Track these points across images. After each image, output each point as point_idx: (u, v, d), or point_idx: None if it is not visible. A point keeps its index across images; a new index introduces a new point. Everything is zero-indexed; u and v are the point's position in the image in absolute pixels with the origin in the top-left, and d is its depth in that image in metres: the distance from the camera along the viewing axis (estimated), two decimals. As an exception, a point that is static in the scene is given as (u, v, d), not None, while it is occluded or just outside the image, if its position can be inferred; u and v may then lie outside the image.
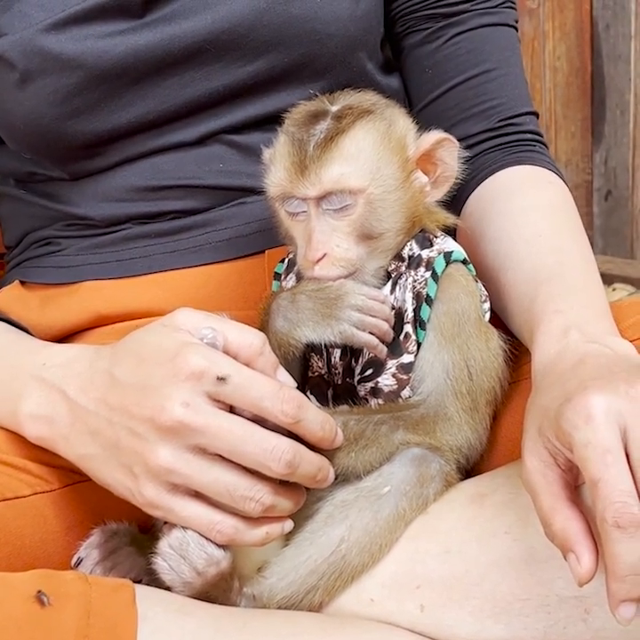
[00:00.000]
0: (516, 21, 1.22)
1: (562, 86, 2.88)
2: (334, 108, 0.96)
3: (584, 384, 0.77)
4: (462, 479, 0.97)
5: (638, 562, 0.72)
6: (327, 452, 0.90)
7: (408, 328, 0.96)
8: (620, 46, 2.79)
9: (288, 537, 0.92)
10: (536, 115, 1.21)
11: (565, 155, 2.93)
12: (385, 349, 0.95)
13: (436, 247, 0.98)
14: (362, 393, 0.98)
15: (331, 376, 0.99)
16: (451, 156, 0.98)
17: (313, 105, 0.98)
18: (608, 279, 2.72)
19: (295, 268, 1.02)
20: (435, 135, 0.97)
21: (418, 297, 0.96)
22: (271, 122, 1.03)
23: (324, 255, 0.93)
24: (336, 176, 0.93)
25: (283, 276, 1.05)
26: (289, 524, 0.89)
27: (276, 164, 0.96)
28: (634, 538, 0.72)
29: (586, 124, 2.90)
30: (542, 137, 1.20)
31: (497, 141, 1.17)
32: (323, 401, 0.99)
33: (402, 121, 0.98)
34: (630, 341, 0.90)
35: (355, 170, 0.93)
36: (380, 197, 0.94)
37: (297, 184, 0.94)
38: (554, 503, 0.77)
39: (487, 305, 0.99)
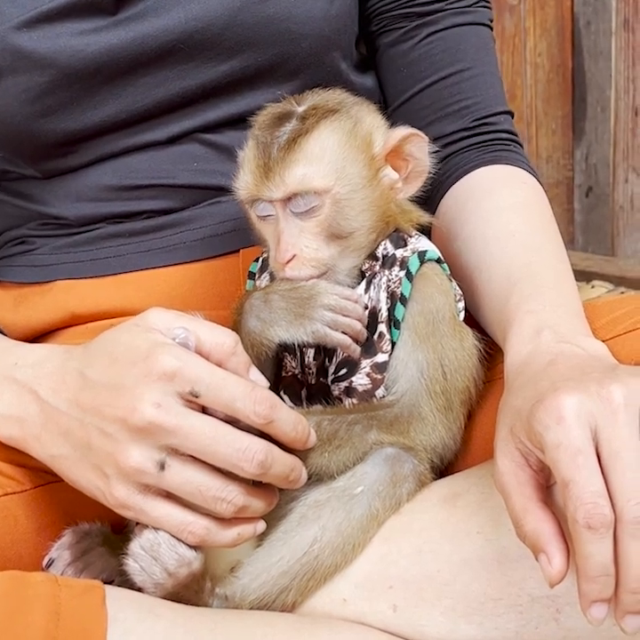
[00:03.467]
0: (491, 20, 1.22)
1: (543, 83, 2.88)
2: (300, 109, 0.95)
3: (555, 385, 0.77)
4: (436, 479, 0.97)
5: (609, 562, 0.72)
6: (300, 453, 0.90)
7: (382, 327, 0.96)
8: (600, 43, 2.79)
9: (261, 537, 0.92)
10: (511, 114, 1.21)
11: (546, 151, 2.93)
12: (358, 349, 0.95)
13: (410, 246, 0.98)
14: (336, 393, 0.98)
15: (304, 376, 0.99)
16: (421, 151, 0.97)
17: (279, 107, 0.98)
18: (587, 276, 2.72)
19: (269, 268, 1.02)
20: (402, 131, 0.97)
21: (392, 296, 0.96)
22: (246, 121, 1.03)
23: (294, 256, 0.93)
24: (300, 177, 0.92)
25: (257, 276, 1.04)
26: (261, 525, 0.89)
27: (244, 167, 0.96)
28: (605, 539, 0.72)
29: (567, 120, 2.91)
30: (517, 136, 1.20)
31: (471, 141, 1.17)
32: (296, 401, 0.99)
33: (369, 118, 0.98)
34: (603, 341, 0.91)
35: (319, 170, 0.93)
36: (347, 196, 0.94)
37: (262, 187, 0.94)
38: (525, 504, 0.77)
39: (462, 304, 0.99)
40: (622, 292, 2.62)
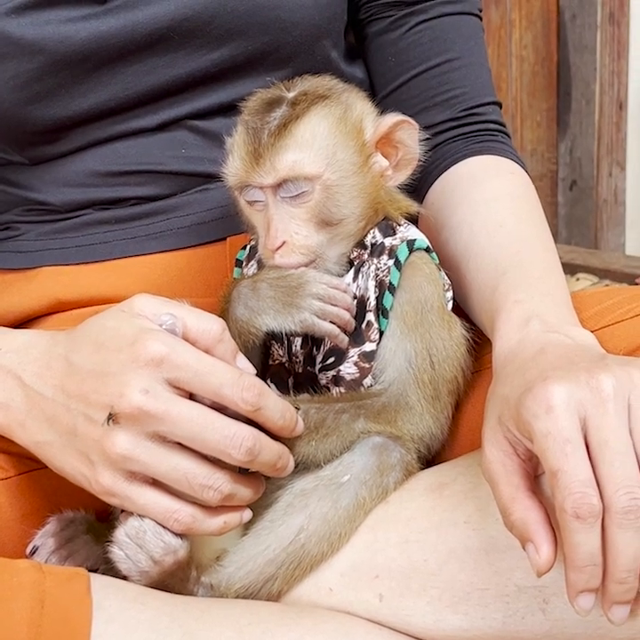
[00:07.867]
0: (480, 10, 1.22)
1: (528, 75, 2.88)
2: (291, 95, 0.95)
3: (544, 374, 0.77)
4: (423, 468, 0.97)
5: (597, 552, 0.72)
6: (287, 441, 0.89)
7: (370, 316, 0.95)
8: (586, 36, 2.80)
9: (247, 526, 0.91)
10: (499, 104, 1.21)
11: (531, 144, 2.94)
12: (346, 339, 0.94)
13: (399, 235, 0.98)
14: (323, 381, 0.97)
15: (291, 364, 0.99)
16: (411, 139, 0.97)
17: (269, 92, 0.97)
18: (572, 269, 2.73)
19: (257, 256, 1.01)
20: (393, 118, 0.97)
21: (380, 285, 0.95)
22: (235, 108, 1.02)
23: (283, 243, 0.93)
24: (290, 163, 0.92)
25: (244, 263, 1.04)
26: (248, 514, 0.89)
27: (233, 153, 0.96)
28: (593, 528, 0.72)
29: (551, 113, 2.91)
30: (505, 127, 1.20)
31: (460, 131, 1.17)
32: (283, 389, 0.98)
33: (359, 104, 0.98)
34: (591, 331, 0.91)
35: (309, 156, 0.92)
36: (337, 183, 0.94)
37: (252, 173, 0.93)
38: (513, 493, 0.77)
39: (450, 293, 0.99)
40: (607, 285, 2.63)
